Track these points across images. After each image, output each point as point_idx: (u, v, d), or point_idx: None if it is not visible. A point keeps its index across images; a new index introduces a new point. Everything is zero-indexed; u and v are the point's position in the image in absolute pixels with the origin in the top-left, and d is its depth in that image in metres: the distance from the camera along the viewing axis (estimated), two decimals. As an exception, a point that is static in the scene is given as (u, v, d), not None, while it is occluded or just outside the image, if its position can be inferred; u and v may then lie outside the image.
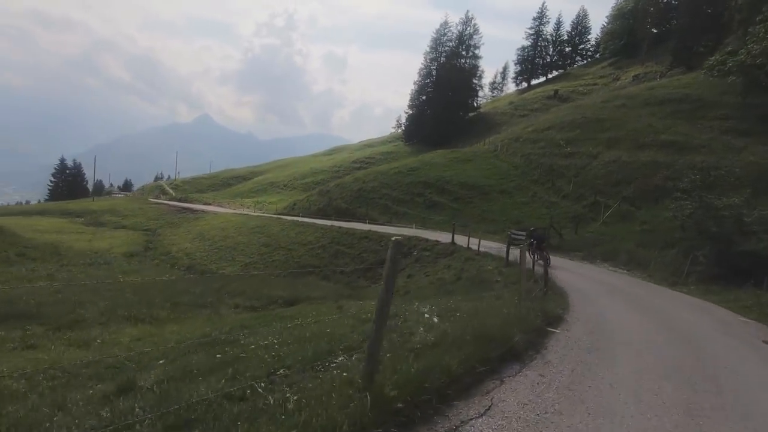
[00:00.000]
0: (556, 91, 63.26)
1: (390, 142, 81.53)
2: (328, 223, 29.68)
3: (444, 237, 21.28)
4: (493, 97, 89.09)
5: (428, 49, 74.92)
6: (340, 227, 27.43)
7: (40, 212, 53.99)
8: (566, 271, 14.64)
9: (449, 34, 73.51)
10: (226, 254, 28.10)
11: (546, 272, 9.10)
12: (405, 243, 22.13)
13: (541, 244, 14.16)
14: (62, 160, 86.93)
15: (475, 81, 73.62)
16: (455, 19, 73.78)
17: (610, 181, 27.53)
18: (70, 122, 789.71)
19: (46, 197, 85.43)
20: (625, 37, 66.40)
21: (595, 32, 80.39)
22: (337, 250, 24.47)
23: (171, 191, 71.77)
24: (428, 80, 74.67)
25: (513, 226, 23.46)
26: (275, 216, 36.98)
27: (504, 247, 17.60)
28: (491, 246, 18.85)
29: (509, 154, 38.12)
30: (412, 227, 27.69)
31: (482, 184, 33.05)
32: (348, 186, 39.63)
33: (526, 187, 31.45)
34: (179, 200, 60.70)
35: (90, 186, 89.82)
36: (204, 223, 38.62)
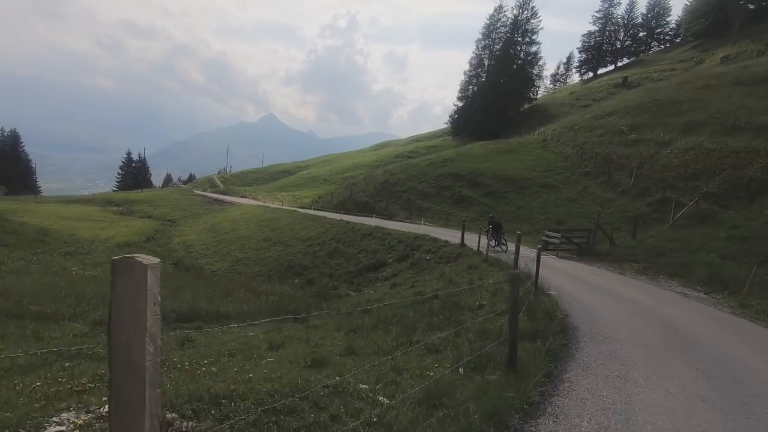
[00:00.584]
0: (625, 79, 55.28)
1: (437, 136, 77.48)
2: (338, 217, 26.22)
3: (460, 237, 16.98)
4: (554, 89, 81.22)
5: (480, 37, 69.44)
6: (347, 222, 23.87)
7: (87, 201, 55.60)
8: (601, 291, 9.90)
9: (503, 19, 67.27)
10: (222, 248, 25.47)
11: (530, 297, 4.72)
12: (409, 243, 18.11)
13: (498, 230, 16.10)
14: (128, 155, 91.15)
15: (533, 71, 66.44)
16: (510, 3, 66.38)
17: (686, 173, 21.45)
18: (152, 121, 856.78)
19: (114, 188, 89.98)
20: (713, 16, 56.53)
21: (675, 13, 70.24)
22: (334, 248, 20.86)
23: (220, 184, 72.38)
24: (479, 70, 69.31)
25: (553, 226, 18.60)
26: (291, 209, 34.18)
27: (529, 254, 13.12)
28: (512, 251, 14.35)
29: (560, 144, 32.43)
30: (420, 223, 23.57)
31: (522, 176, 27.94)
32: (374, 179, 36.11)
33: (575, 181, 25.94)
34: (220, 192, 60.51)
35: (153, 179, 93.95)
36: (222, 215, 36.76)
